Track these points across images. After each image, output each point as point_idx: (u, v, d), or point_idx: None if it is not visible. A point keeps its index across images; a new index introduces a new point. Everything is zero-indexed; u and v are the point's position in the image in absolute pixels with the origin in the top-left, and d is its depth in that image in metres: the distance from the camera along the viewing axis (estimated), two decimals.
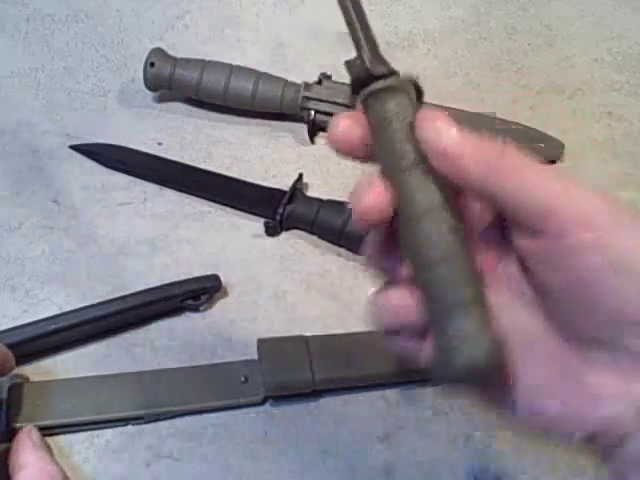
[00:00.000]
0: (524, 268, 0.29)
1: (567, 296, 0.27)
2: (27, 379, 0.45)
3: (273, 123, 0.61)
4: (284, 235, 0.54)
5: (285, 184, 0.55)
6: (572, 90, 0.65)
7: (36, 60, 0.64)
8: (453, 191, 0.28)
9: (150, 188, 0.56)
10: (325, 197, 0.54)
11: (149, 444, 0.44)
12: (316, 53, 0.66)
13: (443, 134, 0.27)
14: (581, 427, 0.27)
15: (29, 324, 0.45)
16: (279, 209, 0.53)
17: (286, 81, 0.59)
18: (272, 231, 0.54)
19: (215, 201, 0.56)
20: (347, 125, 0.28)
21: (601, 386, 0.27)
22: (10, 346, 0.43)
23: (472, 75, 0.65)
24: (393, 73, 0.27)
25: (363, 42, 0.27)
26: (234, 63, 0.60)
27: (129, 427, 0.44)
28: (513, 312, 0.29)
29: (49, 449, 0.42)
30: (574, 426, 0.28)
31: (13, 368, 0.43)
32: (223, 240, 0.53)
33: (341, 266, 0.52)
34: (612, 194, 0.26)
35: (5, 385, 0.44)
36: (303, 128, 0.60)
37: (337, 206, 0.53)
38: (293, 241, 0.54)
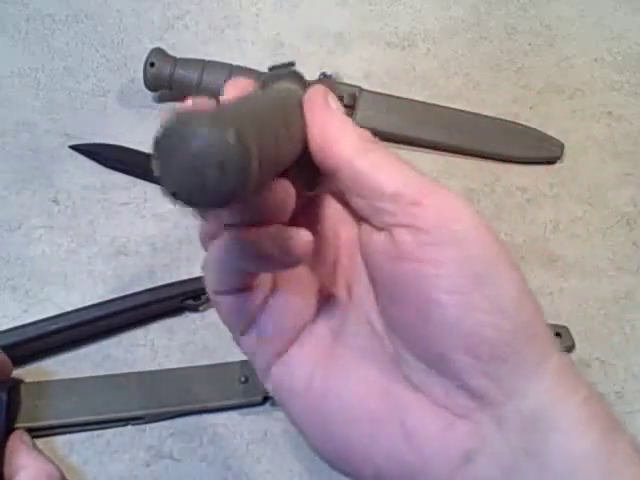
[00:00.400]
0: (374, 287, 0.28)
1: (408, 308, 0.25)
2: (21, 382, 0.45)
3: None
4: None
5: None
6: (572, 90, 0.65)
7: (36, 60, 0.64)
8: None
9: (150, 188, 0.56)
10: None
11: (149, 444, 0.44)
12: (316, 53, 0.66)
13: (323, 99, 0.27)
14: (380, 465, 0.26)
15: (29, 324, 0.45)
16: None
17: None
18: None
19: None
20: (241, 86, 0.27)
21: (421, 427, 0.25)
22: (10, 346, 0.43)
23: (472, 75, 0.65)
24: (290, 66, 0.28)
25: None
26: (234, 63, 0.60)
27: (129, 427, 0.44)
28: (357, 338, 0.28)
29: (40, 452, 0.42)
30: (375, 461, 0.26)
31: (11, 373, 0.43)
32: None
33: None
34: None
35: (5, 385, 0.44)
36: None
37: None
38: None
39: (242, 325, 0.28)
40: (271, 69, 0.29)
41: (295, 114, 0.26)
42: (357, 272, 0.29)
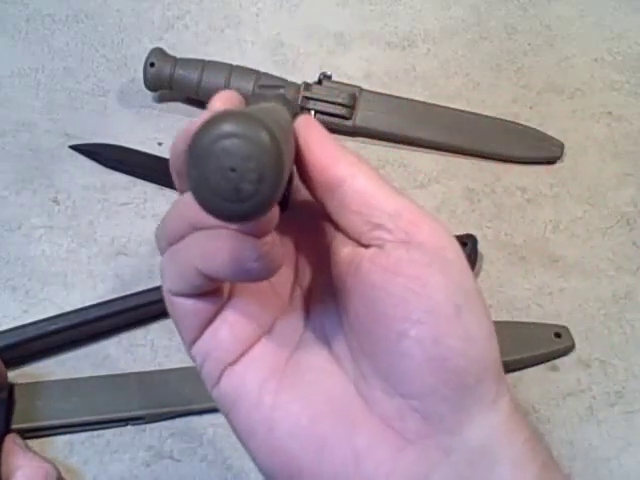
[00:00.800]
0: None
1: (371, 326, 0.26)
2: (20, 383, 0.45)
3: None
4: None
5: None
6: (572, 90, 0.65)
7: (36, 60, 0.64)
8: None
9: (150, 188, 0.56)
10: None
11: (149, 444, 0.44)
12: (316, 53, 0.66)
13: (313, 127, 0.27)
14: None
15: (29, 324, 0.45)
16: None
17: (286, 81, 0.59)
18: None
19: None
20: (228, 97, 0.27)
21: (371, 450, 0.25)
22: (10, 346, 0.43)
23: (472, 75, 0.65)
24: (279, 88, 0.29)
25: None
26: (234, 63, 0.60)
27: (129, 427, 0.44)
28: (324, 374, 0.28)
29: (35, 453, 0.42)
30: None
31: (6, 377, 0.43)
32: None
33: None
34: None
35: (1, 387, 0.44)
36: None
37: None
38: None
39: (196, 329, 0.28)
40: (260, 87, 0.29)
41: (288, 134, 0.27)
42: (318, 289, 0.29)
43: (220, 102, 0.27)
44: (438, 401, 0.25)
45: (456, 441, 0.25)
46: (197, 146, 0.19)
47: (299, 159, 0.27)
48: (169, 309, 0.28)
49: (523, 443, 0.25)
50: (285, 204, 0.29)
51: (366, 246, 0.26)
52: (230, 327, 0.27)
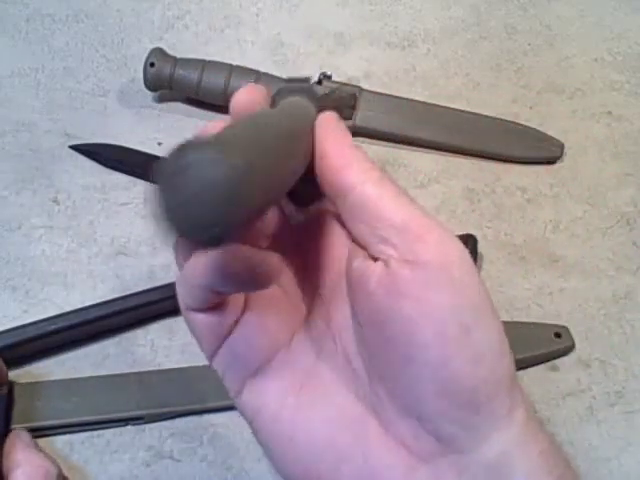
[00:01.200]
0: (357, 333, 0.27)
1: (387, 346, 0.25)
2: (19, 382, 0.45)
3: None
4: None
5: None
6: (572, 90, 0.65)
7: (36, 60, 0.64)
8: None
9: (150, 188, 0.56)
10: None
11: (149, 444, 0.44)
12: (316, 53, 0.66)
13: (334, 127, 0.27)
14: None
15: (29, 324, 0.45)
16: None
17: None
18: None
19: None
20: (252, 92, 0.28)
21: (384, 467, 0.26)
22: (10, 346, 0.43)
23: (472, 75, 0.65)
24: (306, 81, 0.29)
25: None
26: (234, 63, 0.60)
27: (129, 427, 0.44)
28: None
29: (40, 449, 0.42)
30: None
31: (6, 376, 0.43)
32: None
33: None
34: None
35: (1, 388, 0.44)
36: None
37: None
38: None
39: (213, 343, 0.28)
40: (288, 81, 0.29)
41: (304, 132, 0.27)
42: (339, 300, 0.29)
43: (244, 96, 0.27)
44: (450, 422, 0.25)
45: (470, 459, 0.25)
46: (158, 173, 0.19)
47: (314, 159, 0.27)
48: (187, 325, 0.28)
49: (538, 456, 0.25)
50: (308, 200, 0.28)
51: (374, 258, 0.26)
52: (246, 341, 0.28)
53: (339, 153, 0.27)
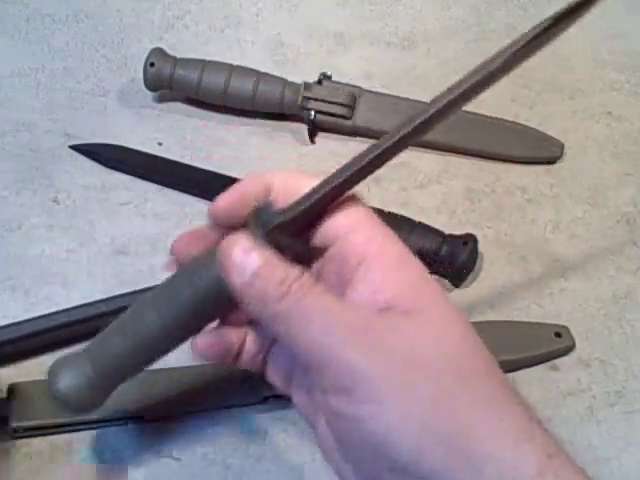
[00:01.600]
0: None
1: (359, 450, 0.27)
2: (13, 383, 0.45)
3: (273, 123, 0.61)
4: None
5: None
6: (572, 90, 0.65)
7: (36, 60, 0.64)
8: None
9: (150, 188, 0.56)
10: None
11: (149, 444, 0.44)
12: (316, 53, 0.66)
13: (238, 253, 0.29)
14: None
15: (28, 320, 0.45)
16: None
17: (286, 81, 0.59)
18: None
19: None
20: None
21: None
22: (9, 342, 0.43)
23: None
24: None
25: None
26: (234, 63, 0.60)
27: (129, 427, 0.44)
28: None
29: None
30: None
31: None
32: None
33: None
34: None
35: (4, 384, 0.44)
36: (303, 128, 0.60)
37: None
38: None
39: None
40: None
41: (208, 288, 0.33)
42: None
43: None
44: None
45: None
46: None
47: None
48: None
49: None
50: (303, 258, 0.30)
51: None
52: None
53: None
